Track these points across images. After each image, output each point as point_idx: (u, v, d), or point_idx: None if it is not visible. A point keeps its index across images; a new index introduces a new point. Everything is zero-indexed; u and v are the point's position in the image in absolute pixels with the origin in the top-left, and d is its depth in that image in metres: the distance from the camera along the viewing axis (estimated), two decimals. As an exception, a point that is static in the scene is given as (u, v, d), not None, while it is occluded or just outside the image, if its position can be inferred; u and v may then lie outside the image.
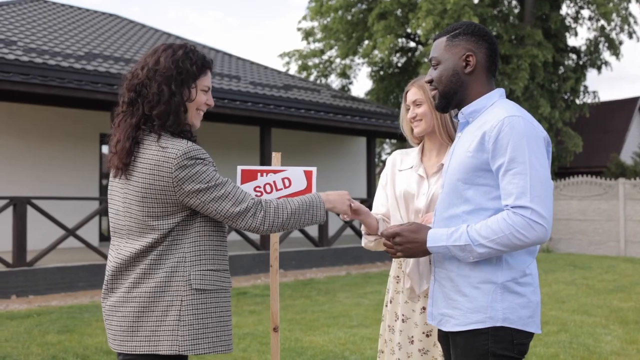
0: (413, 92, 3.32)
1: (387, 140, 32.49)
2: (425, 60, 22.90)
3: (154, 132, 2.62)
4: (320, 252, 14.91)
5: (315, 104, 16.63)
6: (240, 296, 10.48)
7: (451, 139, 3.26)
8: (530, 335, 2.52)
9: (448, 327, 2.56)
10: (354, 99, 21.49)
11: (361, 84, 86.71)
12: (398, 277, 3.34)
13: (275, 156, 3.30)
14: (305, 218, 2.74)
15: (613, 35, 24.68)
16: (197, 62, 2.71)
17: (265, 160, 14.24)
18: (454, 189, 2.56)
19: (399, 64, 28.21)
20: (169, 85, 2.63)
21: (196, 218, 2.63)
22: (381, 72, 28.18)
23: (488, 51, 2.63)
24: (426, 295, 3.20)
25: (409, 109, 3.35)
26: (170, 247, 2.59)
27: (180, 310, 2.56)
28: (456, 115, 2.72)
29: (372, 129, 16.76)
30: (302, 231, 14.53)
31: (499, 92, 2.66)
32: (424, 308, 3.21)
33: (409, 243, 2.58)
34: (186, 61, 2.68)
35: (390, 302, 3.37)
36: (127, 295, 2.61)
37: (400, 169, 3.39)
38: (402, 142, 28.98)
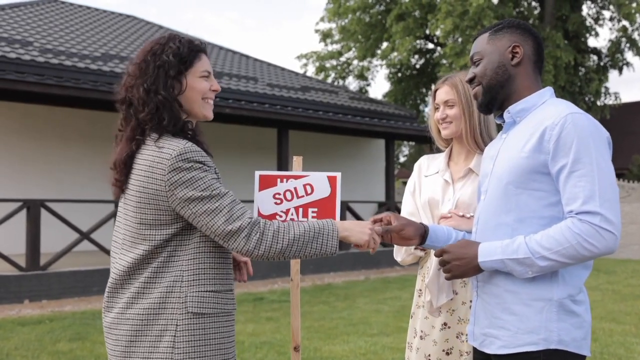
0: (445, 91, 3.08)
1: (406, 142, 32.20)
2: (444, 61, 22.65)
3: (154, 133, 2.35)
4: (338, 256, 14.65)
5: (333, 105, 16.40)
6: (257, 302, 10.26)
7: (478, 146, 3.01)
8: (582, 358, 2.26)
9: (493, 349, 2.30)
10: (372, 100, 21.26)
11: (379, 86, 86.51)
12: (420, 290, 3.09)
13: (296, 160, 3.01)
14: (312, 247, 2.34)
15: (635, 35, 24.30)
16: (181, 49, 2.41)
17: (282, 162, 14.02)
18: (503, 194, 2.31)
19: (417, 66, 27.93)
20: (148, 83, 2.35)
21: (196, 231, 2.34)
22: (399, 74, 27.93)
23: (535, 44, 2.42)
24: (448, 310, 2.95)
25: (438, 108, 3.10)
26: (166, 263, 2.31)
27: (175, 335, 2.28)
28: (500, 115, 2.47)
29: (391, 131, 16.49)
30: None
31: (549, 91, 2.43)
32: (445, 324, 2.95)
33: (457, 260, 2.31)
34: (164, 53, 2.38)
35: (412, 317, 3.13)
36: (121, 315, 2.34)
37: (427, 175, 3.16)
38: (420, 145, 28.73)
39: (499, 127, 2.62)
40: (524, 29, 2.42)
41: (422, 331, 3.02)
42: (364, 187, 19.32)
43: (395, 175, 29.51)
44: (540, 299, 2.22)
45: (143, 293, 2.31)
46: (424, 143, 24.29)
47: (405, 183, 33.40)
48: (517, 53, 2.38)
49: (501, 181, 2.31)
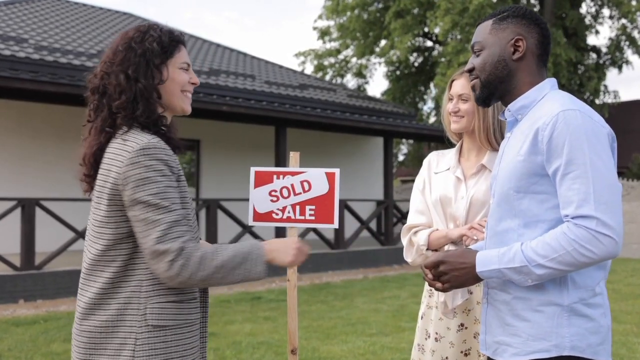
0: (461, 85, 2.97)
1: (404, 140, 32.13)
2: (443, 60, 22.56)
3: (124, 126, 2.23)
4: (336, 255, 14.55)
5: (331, 103, 16.30)
6: (255, 301, 10.16)
7: (490, 144, 2.90)
8: None
9: (505, 357, 2.19)
10: (371, 98, 21.17)
11: (377, 84, 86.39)
12: (431, 290, 2.98)
13: (293, 156, 2.89)
14: (238, 274, 2.19)
15: (635, 34, 24.24)
16: (163, 38, 2.30)
17: (280, 161, 13.91)
18: (505, 200, 2.20)
19: (416, 64, 27.85)
20: (130, 70, 2.23)
21: None
22: (397, 72, 27.84)
23: (540, 37, 2.28)
24: (464, 311, 2.85)
25: (452, 99, 2.99)
26: (124, 270, 2.18)
27: (134, 350, 2.14)
28: (502, 112, 2.36)
29: (390, 129, 16.38)
30: (318, 233, 14.20)
31: (550, 83, 2.28)
32: (461, 325, 2.85)
33: (456, 270, 2.19)
34: (146, 40, 2.27)
35: (422, 318, 3.02)
36: (80, 325, 2.22)
37: (437, 172, 3.04)
38: (419, 143, 28.64)
39: None
40: (529, 18, 2.28)
41: (437, 333, 2.91)
42: (362, 186, 19.22)
43: (394, 174, 29.44)
44: (550, 304, 2.11)
45: (100, 303, 2.19)
46: (423, 141, 24.23)
47: (403, 181, 33.31)
48: (520, 47, 2.25)
49: (503, 186, 2.21)
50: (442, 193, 2.93)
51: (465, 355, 2.85)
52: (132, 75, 2.23)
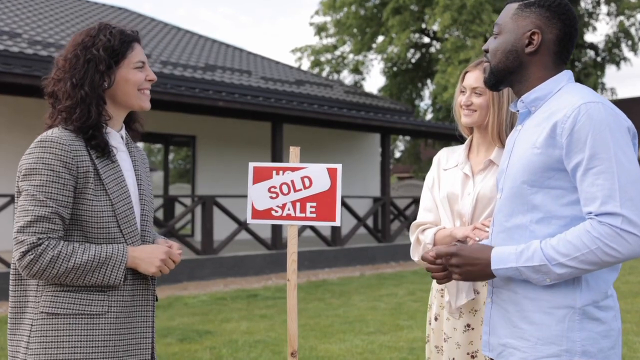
0: (475, 77, 2.85)
1: (401, 137, 32.06)
2: (441, 57, 22.48)
3: (59, 125, 2.32)
4: (333, 252, 14.46)
5: (328, 99, 16.20)
6: (251, 299, 10.05)
7: (501, 141, 2.80)
8: None
9: None
10: (368, 95, 21.09)
11: (374, 81, 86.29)
12: (442, 290, 2.87)
13: (293, 151, 2.77)
14: (93, 277, 2.21)
15: (632, 31, 24.19)
16: (112, 41, 2.32)
17: (276, 157, 13.80)
18: (517, 194, 2.09)
19: (413, 60, 27.75)
20: (75, 78, 2.29)
21: None
22: (394, 68, 27.73)
23: (561, 33, 2.13)
24: (470, 311, 2.75)
25: (464, 92, 2.89)
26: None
27: (29, 336, 2.20)
28: (514, 103, 2.25)
29: (387, 125, 16.27)
30: (315, 230, 14.11)
31: (567, 75, 2.17)
32: (468, 325, 2.75)
33: (469, 265, 2.09)
34: (94, 46, 2.30)
35: (436, 319, 2.91)
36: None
37: (446, 168, 2.94)
38: (416, 140, 28.54)
39: None
40: (554, 11, 2.13)
41: (445, 333, 2.82)
42: (359, 182, 19.11)
43: (390, 171, 29.36)
44: (561, 306, 2.01)
45: (13, 290, 2.28)
46: (420, 138, 24.13)
47: (400, 179, 33.23)
48: (534, 41, 2.12)
49: (515, 179, 2.10)
50: (449, 190, 2.84)
51: (472, 357, 2.75)
52: (77, 83, 2.27)
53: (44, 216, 2.16)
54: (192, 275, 11.88)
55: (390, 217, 16.47)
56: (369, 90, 25.56)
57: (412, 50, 27.18)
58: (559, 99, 2.09)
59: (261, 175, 2.67)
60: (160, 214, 15.68)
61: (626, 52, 34.66)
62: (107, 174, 2.28)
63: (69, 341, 2.18)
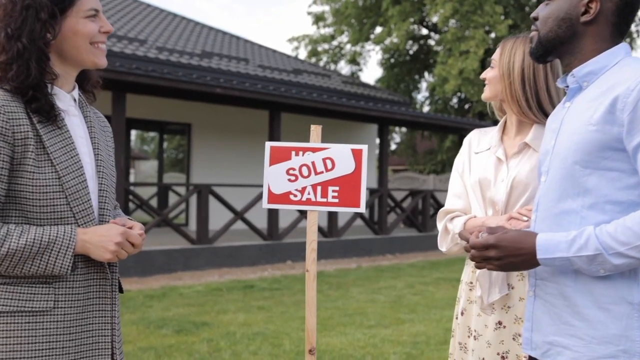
0: (496, 51, 2.67)
1: (397, 129, 31.86)
2: (440, 48, 22.29)
3: None
4: (329, 244, 14.25)
5: (326, 89, 15.97)
6: (247, 290, 9.84)
7: (526, 116, 2.57)
8: None
9: None
10: (365, 85, 20.88)
11: (371, 71, 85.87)
12: (471, 283, 2.65)
13: (315, 129, 2.52)
14: (34, 265, 1.86)
15: (632, 28, 24.03)
16: None
17: (274, 146, 13.55)
18: (568, 176, 1.87)
19: (411, 52, 27.53)
20: (15, 27, 1.90)
21: None
22: (392, 60, 27.50)
23: (622, 2, 1.91)
24: (503, 307, 2.53)
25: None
26: None
27: None
28: (563, 78, 2.04)
29: (386, 115, 16.06)
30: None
31: (624, 49, 1.94)
32: (499, 323, 2.53)
33: (512, 257, 1.87)
34: None
35: (462, 313, 2.69)
36: None
37: (477, 152, 2.71)
38: (412, 132, 28.33)
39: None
40: None
41: (475, 330, 2.60)
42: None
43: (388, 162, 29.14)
44: (619, 301, 1.80)
45: None
46: (418, 129, 23.93)
47: (395, 171, 33.03)
48: (591, 9, 1.90)
49: (566, 160, 1.88)
50: (481, 175, 2.61)
51: (503, 358, 2.53)
52: (12, 34, 1.90)
53: None
54: (187, 264, 11.66)
55: (387, 209, 16.29)
56: (365, 81, 25.36)
57: (410, 42, 26.96)
58: (618, 71, 1.87)
59: (279, 156, 2.45)
60: (154, 202, 15.44)
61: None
62: (53, 142, 1.92)
63: (5, 344, 1.85)
